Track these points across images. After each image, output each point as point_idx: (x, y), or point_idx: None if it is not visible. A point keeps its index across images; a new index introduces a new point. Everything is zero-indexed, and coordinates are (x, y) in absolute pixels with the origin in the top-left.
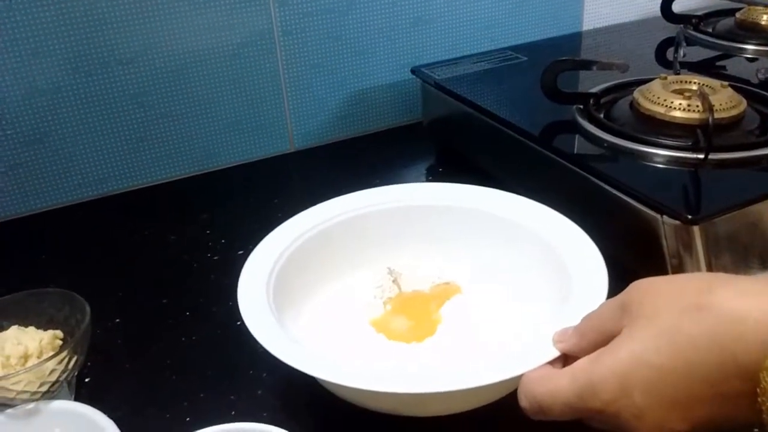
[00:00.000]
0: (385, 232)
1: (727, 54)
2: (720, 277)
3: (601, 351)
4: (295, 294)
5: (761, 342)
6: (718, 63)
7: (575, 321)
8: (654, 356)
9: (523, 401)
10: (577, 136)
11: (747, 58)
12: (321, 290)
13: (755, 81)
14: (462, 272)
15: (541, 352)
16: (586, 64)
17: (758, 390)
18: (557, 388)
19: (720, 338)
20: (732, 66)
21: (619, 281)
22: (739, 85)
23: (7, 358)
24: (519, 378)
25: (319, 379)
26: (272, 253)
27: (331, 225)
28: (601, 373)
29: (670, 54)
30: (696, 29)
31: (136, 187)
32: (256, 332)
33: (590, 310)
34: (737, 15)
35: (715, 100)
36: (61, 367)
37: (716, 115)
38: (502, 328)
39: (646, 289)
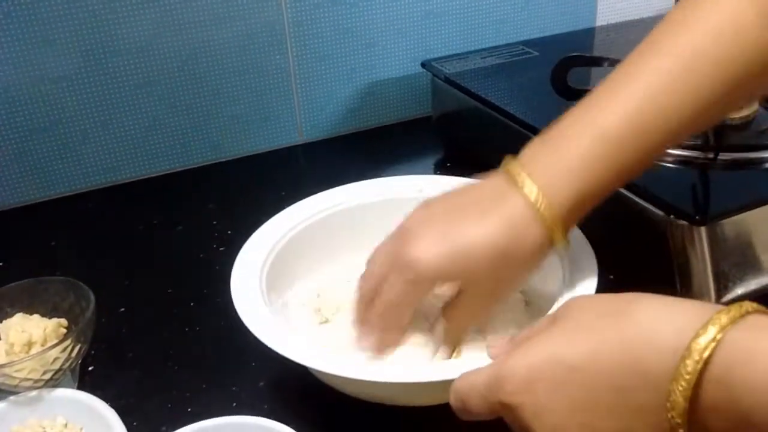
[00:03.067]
0: (387, 222)
1: None
2: (649, 294)
3: (519, 346)
4: (293, 280)
5: (673, 352)
6: None
7: None
8: (566, 354)
9: (450, 397)
10: None
11: None
12: (318, 277)
13: None
14: None
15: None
16: (598, 61)
17: (667, 404)
18: (474, 380)
19: (632, 345)
20: None
21: (624, 281)
22: None
23: (11, 345)
24: None
25: (311, 369)
26: (269, 241)
27: (332, 213)
28: (511, 364)
29: None
30: None
31: (144, 177)
32: (247, 320)
33: None
34: None
35: None
36: (65, 355)
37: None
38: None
39: (577, 302)
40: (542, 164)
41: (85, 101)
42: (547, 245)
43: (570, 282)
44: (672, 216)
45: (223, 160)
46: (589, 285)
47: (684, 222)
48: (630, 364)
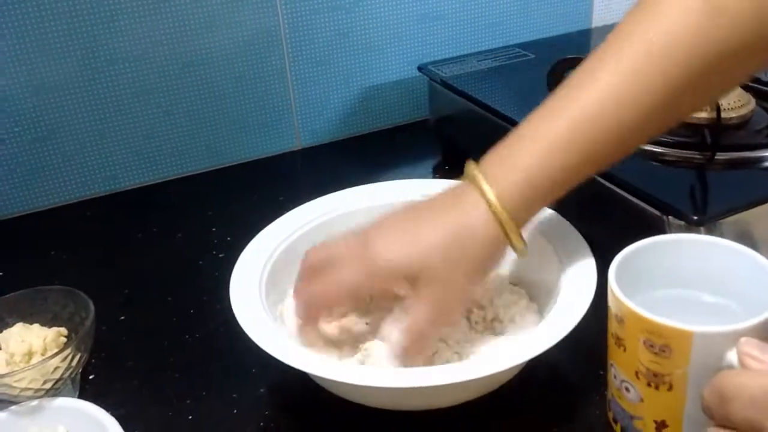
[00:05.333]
0: None
1: None
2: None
3: None
4: (292, 286)
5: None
6: None
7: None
8: None
9: (706, 391)
10: None
11: None
12: None
13: (765, 79)
14: None
15: (522, 351)
16: None
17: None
18: (747, 382)
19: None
20: None
21: None
22: (748, 83)
23: (12, 355)
24: (501, 374)
25: (311, 375)
26: (268, 247)
27: (331, 218)
28: None
29: None
30: None
31: (143, 185)
32: (246, 327)
33: (576, 310)
34: None
35: (723, 98)
36: (65, 364)
37: (724, 115)
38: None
39: None
40: (498, 169)
41: (83, 110)
42: (501, 242)
43: (569, 275)
44: (670, 216)
45: (222, 166)
46: (588, 276)
47: (682, 222)
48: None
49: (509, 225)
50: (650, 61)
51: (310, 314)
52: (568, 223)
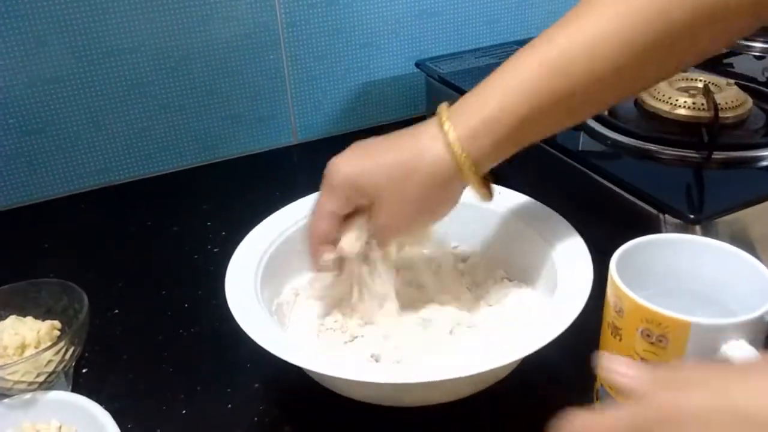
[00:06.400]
0: None
1: (735, 51)
2: None
3: (674, 383)
4: (288, 280)
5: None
6: (725, 60)
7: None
8: (750, 404)
9: None
10: (580, 132)
11: (755, 56)
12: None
13: (762, 79)
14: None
15: (518, 347)
16: None
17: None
18: (613, 423)
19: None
20: (739, 63)
21: None
22: (745, 83)
23: (5, 348)
24: (496, 371)
25: (306, 370)
26: (263, 242)
27: None
28: (672, 405)
29: None
30: None
31: (138, 178)
32: (241, 321)
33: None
34: None
35: (720, 98)
36: (59, 357)
37: (721, 114)
38: (489, 316)
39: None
40: (465, 108)
41: (78, 103)
42: (453, 176)
43: (564, 264)
44: (667, 215)
45: (217, 161)
46: (584, 275)
47: (679, 221)
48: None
49: (465, 162)
50: (631, 6)
51: (312, 249)
52: (565, 221)
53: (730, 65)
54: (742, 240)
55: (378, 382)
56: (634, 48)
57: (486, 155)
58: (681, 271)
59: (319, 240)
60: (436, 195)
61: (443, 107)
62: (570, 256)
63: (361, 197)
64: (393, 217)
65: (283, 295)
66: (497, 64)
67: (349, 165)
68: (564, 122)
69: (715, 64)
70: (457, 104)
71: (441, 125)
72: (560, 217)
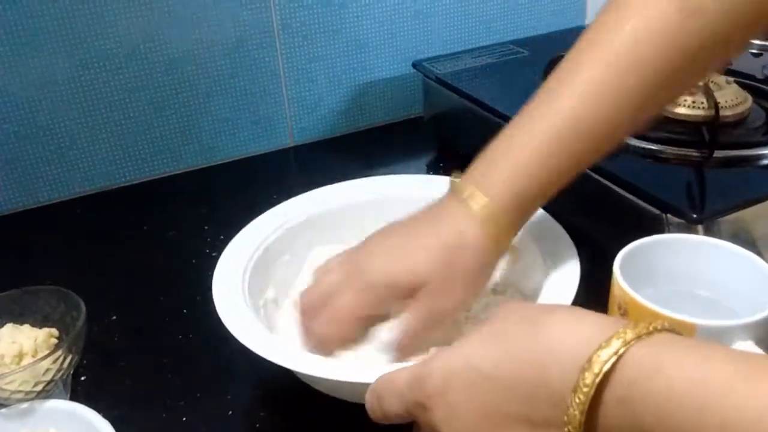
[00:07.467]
0: (375, 221)
1: None
2: (567, 306)
3: (442, 348)
4: (278, 280)
5: (577, 368)
6: None
7: None
8: (480, 360)
9: (366, 395)
10: None
11: (753, 53)
12: (303, 275)
13: (760, 76)
14: None
15: None
16: None
17: (565, 417)
18: (394, 378)
19: (539, 356)
20: (737, 61)
21: None
22: (744, 81)
23: (2, 357)
24: None
25: (296, 373)
26: (253, 242)
27: (318, 213)
28: (432, 365)
29: None
30: None
31: (134, 182)
32: (230, 324)
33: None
34: None
35: (720, 96)
36: (57, 366)
37: (721, 113)
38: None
39: (505, 308)
40: (486, 178)
41: (74, 106)
42: (492, 253)
43: (551, 277)
44: (669, 214)
45: (214, 164)
46: (570, 280)
47: (681, 220)
48: (535, 375)
49: (501, 235)
50: (626, 59)
51: (326, 348)
52: (555, 222)
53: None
54: (745, 239)
55: (351, 381)
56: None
57: (516, 225)
58: (684, 271)
59: (335, 346)
60: (483, 271)
61: (461, 182)
62: (558, 261)
63: (399, 294)
64: (447, 302)
65: (273, 293)
66: (494, 64)
67: (388, 268)
68: (583, 170)
69: None
70: (475, 177)
71: (467, 205)
72: (551, 218)
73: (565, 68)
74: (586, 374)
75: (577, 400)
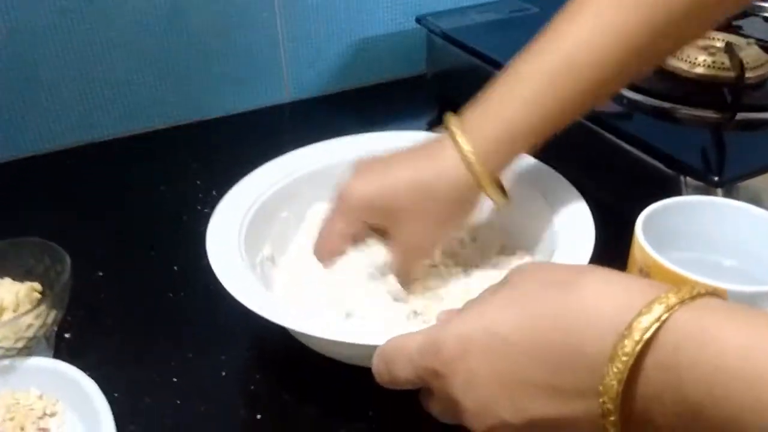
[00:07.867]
0: None
1: (745, 13)
2: (602, 268)
3: (456, 312)
4: (274, 237)
5: (613, 331)
6: (734, 22)
7: None
8: (502, 325)
9: (373, 360)
10: None
11: (765, 18)
12: (302, 233)
13: None
14: None
15: None
16: None
17: (600, 387)
18: (405, 343)
19: (568, 321)
20: (748, 25)
21: None
22: (763, 43)
23: None
24: None
25: (289, 329)
26: (248, 197)
27: (316, 169)
28: (447, 331)
29: None
30: None
31: (125, 135)
32: (224, 279)
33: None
34: None
35: (743, 57)
36: (39, 321)
37: (746, 74)
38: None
39: (527, 269)
40: (475, 121)
41: (62, 55)
42: (473, 190)
43: (564, 237)
44: (688, 177)
45: (207, 118)
46: (586, 240)
47: (700, 183)
48: (566, 341)
49: (483, 175)
50: (626, 6)
51: (324, 259)
52: (568, 182)
53: (740, 27)
54: (763, 203)
55: (365, 344)
56: (637, 40)
57: (501, 166)
58: (707, 235)
59: (329, 256)
60: (457, 209)
61: (453, 121)
62: (571, 220)
63: (376, 218)
64: (415, 236)
65: (269, 250)
66: (502, 21)
67: (365, 185)
68: (577, 116)
69: (724, 25)
70: (466, 118)
71: (455, 141)
72: (563, 179)
73: (566, 12)
74: (626, 342)
75: (615, 369)
